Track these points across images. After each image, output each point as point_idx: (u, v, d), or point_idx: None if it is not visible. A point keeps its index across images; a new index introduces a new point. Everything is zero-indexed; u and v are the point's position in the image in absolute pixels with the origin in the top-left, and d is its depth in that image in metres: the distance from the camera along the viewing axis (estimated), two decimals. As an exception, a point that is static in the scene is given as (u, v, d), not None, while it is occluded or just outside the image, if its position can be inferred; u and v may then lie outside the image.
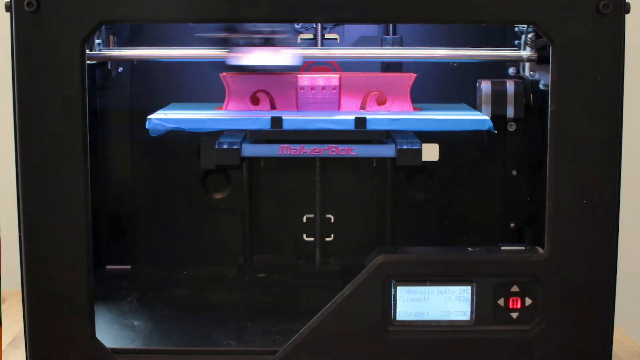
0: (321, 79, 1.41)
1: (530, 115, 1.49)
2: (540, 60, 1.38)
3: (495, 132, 1.32)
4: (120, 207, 1.61)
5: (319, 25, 1.45)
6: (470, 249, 1.25)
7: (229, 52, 1.36)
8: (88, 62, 1.45)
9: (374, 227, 1.62)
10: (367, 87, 1.43)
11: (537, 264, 1.21)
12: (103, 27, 1.45)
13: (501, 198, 1.59)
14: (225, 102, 1.43)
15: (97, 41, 1.43)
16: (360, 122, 1.31)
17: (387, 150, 1.33)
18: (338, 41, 1.57)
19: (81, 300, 1.19)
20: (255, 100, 1.43)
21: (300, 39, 1.52)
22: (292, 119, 1.32)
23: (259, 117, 1.32)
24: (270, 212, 1.62)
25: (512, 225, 1.58)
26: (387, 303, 1.22)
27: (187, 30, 1.52)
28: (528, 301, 1.23)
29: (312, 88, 1.41)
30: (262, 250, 1.63)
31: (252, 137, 1.33)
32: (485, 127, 1.31)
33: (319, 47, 1.46)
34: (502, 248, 1.24)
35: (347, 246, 1.61)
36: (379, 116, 1.33)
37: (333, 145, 1.32)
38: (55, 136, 1.16)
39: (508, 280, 1.22)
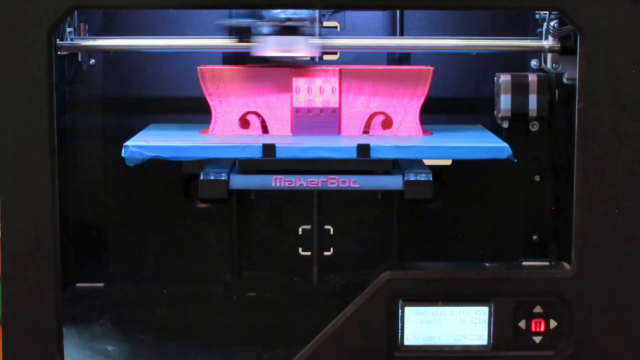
0: (320, 100, 1.40)
1: (555, 113, 1.49)
2: (563, 51, 1.39)
3: (516, 160, 1.32)
4: (91, 217, 1.61)
5: (317, 12, 1.45)
6: (487, 264, 1.25)
7: (233, 42, 1.36)
8: (57, 53, 1.46)
9: (379, 239, 1.62)
10: (373, 84, 1.42)
11: (563, 282, 1.21)
12: (75, 13, 1.46)
13: (522, 207, 1.59)
14: (211, 125, 1.42)
15: (68, 29, 1.43)
16: (364, 149, 1.31)
17: (393, 182, 1.34)
18: (338, 30, 1.57)
19: (48, 322, 1.19)
20: (244, 123, 1.42)
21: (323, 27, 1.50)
22: (287, 146, 1.31)
23: (249, 145, 1.31)
24: (261, 223, 1.62)
25: (534, 237, 1.58)
26: (394, 325, 1.22)
27: (181, 20, 1.53)
28: (553, 323, 1.23)
29: (309, 110, 1.40)
30: (252, 266, 1.63)
31: (241, 167, 1.33)
32: (504, 156, 1.31)
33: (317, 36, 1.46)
34: (524, 263, 1.24)
35: (348, 261, 1.62)
36: (385, 143, 1.33)
37: (332, 176, 1.32)
38: (20, 138, 1.16)
39: (530, 300, 1.22)
